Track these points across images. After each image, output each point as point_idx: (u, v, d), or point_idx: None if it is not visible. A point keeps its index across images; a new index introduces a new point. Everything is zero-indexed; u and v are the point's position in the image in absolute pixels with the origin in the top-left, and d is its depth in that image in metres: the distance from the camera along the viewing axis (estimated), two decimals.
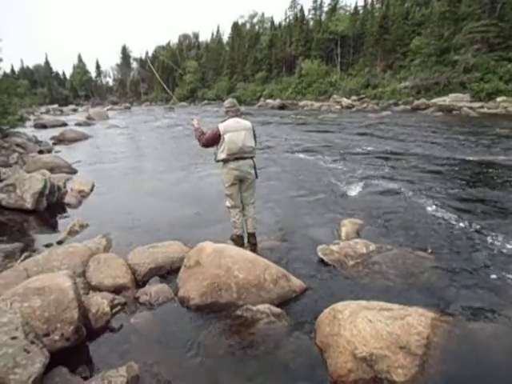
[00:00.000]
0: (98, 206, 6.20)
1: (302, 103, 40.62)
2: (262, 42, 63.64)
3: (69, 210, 6.02)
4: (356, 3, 56.32)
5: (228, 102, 4.08)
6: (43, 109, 50.13)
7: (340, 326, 2.46)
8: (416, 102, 29.62)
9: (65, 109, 51.42)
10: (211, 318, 2.92)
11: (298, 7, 62.03)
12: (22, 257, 3.90)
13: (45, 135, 16.11)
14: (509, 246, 3.98)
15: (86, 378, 2.24)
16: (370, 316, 2.48)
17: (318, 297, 3.18)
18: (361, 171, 7.83)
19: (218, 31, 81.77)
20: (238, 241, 4.21)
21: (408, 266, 3.59)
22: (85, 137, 16.31)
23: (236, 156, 3.89)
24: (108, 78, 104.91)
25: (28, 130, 19.04)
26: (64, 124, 23.25)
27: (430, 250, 3.93)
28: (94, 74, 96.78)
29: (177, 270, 3.57)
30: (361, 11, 53.79)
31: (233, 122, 3.90)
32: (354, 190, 6.39)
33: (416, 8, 44.98)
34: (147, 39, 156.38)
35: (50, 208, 5.93)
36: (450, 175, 7.39)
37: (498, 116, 21.56)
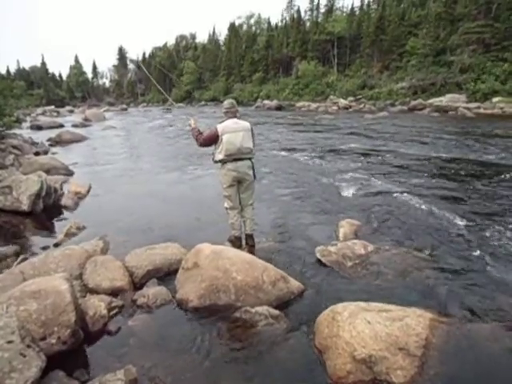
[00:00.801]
0: (95, 208, 6.17)
1: (299, 104, 40.67)
2: (258, 43, 63.70)
3: (65, 211, 5.98)
4: (352, 4, 56.78)
5: (227, 103, 4.08)
6: (39, 110, 49.87)
7: (339, 327, 2.45)
8: (413, 103, 29.73)
9: (61, 110, 51.21)
10: (209, 321, 2.90)
11: (295, 8, 62.17)
12: (19, 259, 3.86)
13: (41, 137, 16.04)
14: (507, 246, 3.99)
15: (83, 382, 2.22)
16: (368, 317, 2.47)
17: (316, 298, 3.17)
18: (358, 172, 7.84)
19: (214, 32, 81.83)
20: (235, 242, 4.20)
21: (406, 267, 3.59)
22: (81, 138, 16.25)
23: (234, 157, 3.88)
24: (105, 79, 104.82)
25: (24, 131, 18.96)
26: (60, 125, 23.17)
27: (427, 251, 3.94)
28: (90, 75, 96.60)
29: (175, 272, 3.55)
30: (357, 12, 53.93)
31: (231, 122, 3.90)
32: (352, 191, 6.40)
33: (412, 9, 45.14)
34: (144, 40, 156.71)
35: (46, 210, 5.89)
36: (448, 176, 7.41)
37: (494, 116, 21.66)
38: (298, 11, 59.92)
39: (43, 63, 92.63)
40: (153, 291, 3.20)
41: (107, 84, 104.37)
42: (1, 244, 4.45)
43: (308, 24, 58.82)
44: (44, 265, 3.43)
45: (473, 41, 32.94)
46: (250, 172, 4.02)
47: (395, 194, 6.12)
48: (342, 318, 2.50)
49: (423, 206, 5.44)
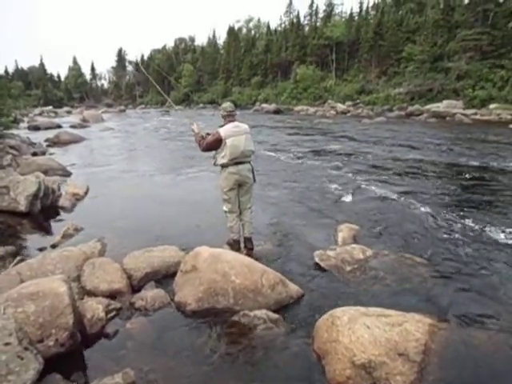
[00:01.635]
0: (93, 209, 6.14)
1: (297, 108, 40.78)
2: (257, 47, 63.93)
3: (63, 213, 5.95)
4: (351, 10, 57.04)
5: (227, 106, 4.06)
6: (37, 111, 49.73)
7: (338, 332, 2.44)
8: (410, 108, 29.88)
9: (59, 111, 51.10)
10: (208, 324, 2.89)
11: (294, 13, 62.47)
12: (15, 261, 3.83)
13: (39, 137, 15.99)
14: (505, 251, 4.01)
15: None
16: (368, 322, 2.47)
17: (315, 302, 3.17)
18: (356, 176, 7.86)
19: (213, 35, 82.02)
20: (234, 245, 4.18)
21: (404, 272, 3.60)
22: (79, 139, 16.21)
23: (236, 160, 3.88)
24: (103, 81, 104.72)
25: (22, 131, 18.88)
26: (58, 126, 23.10)
27: (426, 256, 3.94)
28: (89, 77, 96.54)
29: (173, 275, 3.53)
30: (356, 18, 54.27)
31: (232, 126, 3.89)
32: (350, 195, 6.40)
33: (410, 15, 45.45)
34: (143, 42, 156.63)
35: (44, 211, 5.86)
36: (446, 181, 7.44)
37: (491, 123, 21.80)
38: (297, 16, 60.21)
39: (41, 64, 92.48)
40: (151, 294, 3.18)
41: (106, 85, 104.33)
42: None
43: (307, 29, 59.07)
44: (41, 266, 3.41)
45: (470, 48, 33.20)
46: (251, 175, 4.02)
47: (393, 199, 6.13)
48: (341, 322, 2.50)
49: (421, 211, 5.46)
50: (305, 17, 61.74)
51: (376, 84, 42.10)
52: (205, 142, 3.97)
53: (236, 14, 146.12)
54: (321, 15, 60.25)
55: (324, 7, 59.95)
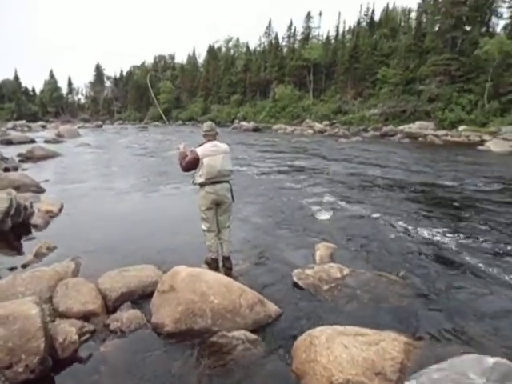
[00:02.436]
0: (67, 227, 5.98)
1: (275, 126, 41.32)
2: (237, 66, 64.91)
3: (35, 231, 5.77)
4: (328, 33, 58.64)
5: (206, 125, 4.11)
6: (10, 124, 48.42)
7: (316, 352, 2.46)
8: (384, 129, 30.81)
9: (33, 125, 49.80)
10: (185, 346, 2.84)
11: (273, 34, 64.04)
12: None
13: (11, 152, 15.53)
14: (478, 269, 4.15)
15: None
16: (345, 342, 2.49)
17: (293, 322, 3.17)
18: (333, 194, 8.00)
19: (193, 53, 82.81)
20: (212, 264, 4.16)
21: (380, 290, 3.66)
22: (54, 154, 15.83)
23: (214, 180, 3.90)
24: (80, 96, 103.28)
25: None
26: (32, 141, 22.49)
27: (401, 274, 4.03)
28: (65, 91, 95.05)
29: (150, 295, 3.46)
30: (332, 41, 56.17)
31: (210, 145, 3.93)
32: (327, 214, 6.50)
33: (384, 40, 47.43)
34: (122, 58, 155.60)
35: (15, 229, 5.64)
36: (419, 199, 7.67)
37: (460, 144, 22.74)
38: (276, 37, 61.77)
39: (16, 76, 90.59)
40: (127, 315, 3.11)
41: (82, 100, 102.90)
42: None
43: (285, 50, 60.60)
44: (11, 287, 3.29)
45: (440, 72, 34.82)
46: (229, 194, 4.04)
47: (369, 217, 6.27)
48: (319, 342, 2.51)
49: (396, 229, 5.60)
50: (283, 38, 63.42)
51: (352, 105, 43.33)
52: (184, 162, 3.98)
53: (216, 33, 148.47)
54: (299, 37, 62.00)
55: (302, 30, 61.78)
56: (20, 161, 13.94)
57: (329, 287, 3.72)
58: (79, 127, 44.36)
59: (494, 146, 19.04)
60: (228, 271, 4.10)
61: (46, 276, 3.54)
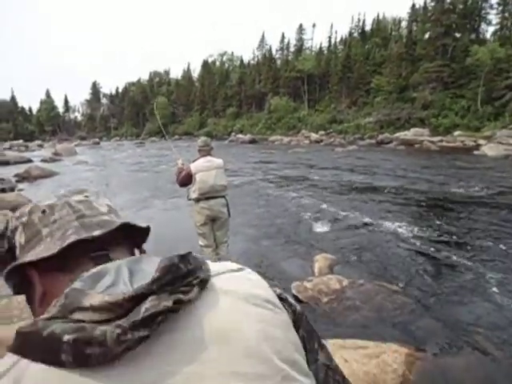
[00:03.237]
0: None
1: (272, 138, 41.58)
2: (231, 79, 65.68)
3: None
4: (320, 44, 59.68)
5: (201, 141, 4.13)
6: (7, 144, 48.63)
7: None
8: (380, 137, 31.01)
9: (30, 144, 50.10)
10: None
11: (267, 47, 64.98)
12: None
13: (7, 172, 15.53)
14: (479, 278, 4.12)
15: None
16: (346, 356, 2.47)
17: None
18: (331, 205, 7.99)
19: (188, 68, 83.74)
20: None
21: (380, 301, 3.63)
22: (51, 174, 15.84)
23: (207, 195, 3.89)
24: (76, 113, 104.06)
25: None
26: (29, 160, 22.54)
27: (401, 284, 4.00)
28: (61, 110, 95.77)
29: None
30: (325, 51, 56.98)
31: (204, 161, 3.94)
32: (326, 225, 6.49)
33: (376, 49, 48.17)
34: (118, 75, 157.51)
35: (11, 250, 5.60)
36: (418, 208, 7.66)
37: (456, 149, 22.87)
38: (270, 50, 62.66)
39: (13, 97, 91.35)
40: None
41: (79, 118, 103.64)
42: None
43: (279, 62, 61.40)
44: (7, 311, 3.24)
45: (432, 79, 35.32)
46: (224, 210, 4.03)
47: (368, 227, 6.25)
48: None
49: (395, 239, 5.58)
50: (277, 51, 64.39)
51: (347, 114, 43.78)
52: (179, 178, 4.00)
53: (210, 48, 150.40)
54: (292, 49, 62.91)
55: (295, 42, 62.70)
56: (17, 181, 13.91)
57: (328, 299, 3.69)
58: (76, 145, 44.54)
59: (489, 150, 19.15)
60: None
61: None
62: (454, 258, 4.76)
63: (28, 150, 40.83)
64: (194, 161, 3.99)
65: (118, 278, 0.47)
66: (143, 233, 0.72)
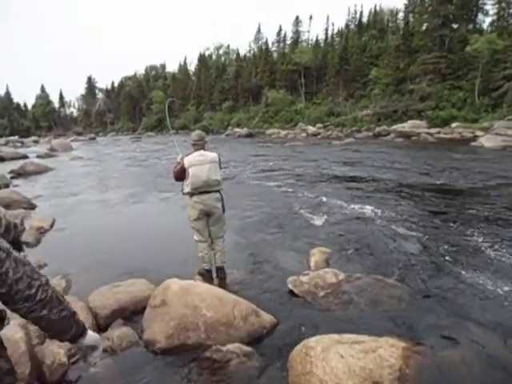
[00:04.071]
0: (58, 244, 5.89)
1: (269, 131, 41.42)
2: (228, 73, 65.16)
3: (26, 248, 5.62)
4: (317, 37, 59.10)
5: (194, 134, 4.07)
6: (2, 140, 48.21)
7: (312, 363, 2.38)
8: (377, 129, 30.95)
9: (26, 140, 49.67)
10: (179, 362, 2.76)
11: (263, 40, 64.42)
12: None
13: (2, 169, 15.39)
14: (479, 271, 4.09)
15: None
16: (342, 351, 2.42)
17: (289, 332, 3.10)
18: (328, 198, 7.95)
19: (184, 62, 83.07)
20: (206, 275, 4.09)
21: (377, 295, 3.59)
22: (46, 169, 15.72)
23: (200, 190, 3.83)
24: (72, 109, 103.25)
25: None
26: (24, 156, 22.36)
27: (398, 277, 3.97)
28: (57, 105, 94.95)
29: (142, 311, 3.38)
30: (322, 44, 56.56)
31: (197, 154, 3.88)
32: (322, 218, 6.45)
33: (373, 41, 47.83)
34: (113, 69, 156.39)
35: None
36: (415, 200, 7.63)
37: (454, 140, 22.85)
38: (266, 43, 62.12)
39: (7, 92, 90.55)
40: (118, 333, 3.02)
41: (75, 113, 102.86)
42: None
43: (275, 55, 60.92)
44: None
45: (430, 70, 35.14)
46: (218, 204, 3.96)
47: (364, 221, 6.22)
48: (314, 353, 2.44)
49: (392, 232, 5.54)
50: (273, 43, 63.84)
51: (344, 106, 43.56)
52: (173, 172, 3.95)
53: (206, 41, 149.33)
54: (288, 42, 62.39)
55: (291, 34, 62.16)
56: (12, 177, 13.79)
57: (325, 293, 3.65)
58: (72, 140, 44.26)
59: (486, 141, 19.13)
60: (222, 281, 4.03)
61: None
62: (452, 250, 4.73)
63: (24, 145, 40.51)
64: (187, 155, 3.93)
65: None
66: None
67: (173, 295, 3.15)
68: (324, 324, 3.16)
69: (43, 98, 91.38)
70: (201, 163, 3.81)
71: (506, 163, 12.40)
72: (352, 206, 7.18)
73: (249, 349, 2.79)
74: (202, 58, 72.72)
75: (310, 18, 61.49)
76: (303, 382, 2.35)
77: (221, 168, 4.07)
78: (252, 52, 67.54)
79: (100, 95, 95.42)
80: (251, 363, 2.68)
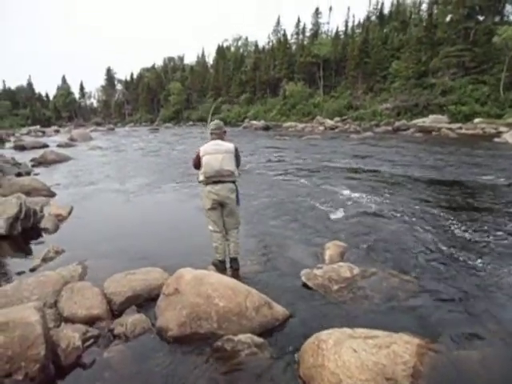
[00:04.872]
0: (76, 231, 5.99)
1: (286, 124, 41.13)
2: (246, 65, 64.88)
3: (45, 234, 5.79)
4: (337, 28, 58.14)
5: (213, 124, 4.06)
6: (24, 130, 49.44)
7: (324, 356, 2.36)
8: (397, 124, 30.34)
9: (47, 130, 50.78)
10: (190, 350, 2.77)
11: (281, 32, 63.78)
12: None
13: (24, 157, 15.79)
14: (494, 271, 3.97)
15: None
16: (354, 345, 2.39)
17: (301, 325, 3.07)
18: (345, 192, 7.85)
19: (203, 54, 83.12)
20: (219, 266, 4.09)
21: (392, 290, 3.53)
22: (66, 158, 16.02)
23: (214, 179, 3.83)
24: (92, 100, 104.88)
25: (7, 151, 18.69)
26: (45, 145, 22.84)
27: (414, 274, 3.89)
28: (77, 96, 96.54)
29: (156, 299, 3.40)
30: (342, 36, 55.63)
31: (213, 144, 3.87)
32: (338, 212, 6.37)
33: (394, 33, 46.77)
34: (132, 61, 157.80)
35: (24, 233, 5.68)
36: (434, 196, 7.45)
37: (476, 136, 22.22)
38: (285, 34, 61.47)
39: (30, 83, 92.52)
40: (131, 319, 3.05)
41: (95, 104, 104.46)
42: None
43: (294, 47, 60.27)
44: (17, 292, 3.27)
45: (453, 64, 34.16)
46: (232, 195, 3.93)
47: (382, 216, 6.11)
48: (326, 346, 2.41)
49: (409, 228, 5.43)
50: (292, 35, 63.13)
51: (363, 100, 42.89)
52: (192, 159, 3.99)
53: (225, 32, 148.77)
54: (308, 34, 61.58)
55: (311, 26, 61.32)
56: (33, 166, 14.14)
57: (338, 287, 3.61)
58: (92, 131, 44.96)
59: (510, 137, 18.52)
60: (235, 272, 4.02)
61: (52, 280, 3.51)
62: (472, 248, 4.60)
63: (45, 135, 41.41)
64: (205, 144, 3.94)
65: None
66: None
67: (186, 284, 3.16)
68: (337, 318, 3.12)
69: (64, 88, 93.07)
70: (215, 152, 3.80)
71: None
72: (368, 201, 7.07)
73: (260, 340, 2.78)
74: (221, 50, 72.56)
75: (330, 9, 61.09)
76: (314, 374, 2.33)
77: (239, 160, 4.03)
78: (270, 44, 67.02)
79: (119, 86, 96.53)
80: (262, 354, 2.67)
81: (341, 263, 4.04)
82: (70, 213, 6.85)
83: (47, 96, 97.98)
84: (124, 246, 5.08)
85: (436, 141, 20.54)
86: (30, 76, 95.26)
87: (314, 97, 50.55)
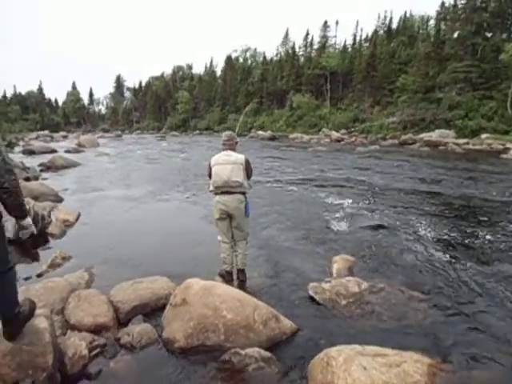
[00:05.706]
0: (83, 237, 6.00)
1: (292, 135, 41.26)
2: (254, 76, 65.42)
3: (52, 240, 5.80)
4: (345, 41, 58.70)
5: (224, 135, 4.08)
6: (33, 135, 49.95)
7: (333, 374, 2.32)
8: (403, 137, 30.30)
9: (55, 135, 51.34)
10: (197, 363, 2.74)
11: (290, 44, 64.37)
12: None
13: (33, 162, 15.90)
14: (505, 288, 3.91)
15: None
16: (364, 363, 2.35)
17: (309, 339, 3.04)
18: (351, 205, 7.82)
19: (211, 64, 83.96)
20: (226, 277, 4.07)
21: (401, 307, 3.49)
22: (74, 164, 16.14)
23: (222, 190, 3.84)
24: (101, 106, 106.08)
25: (16, 156, 18.83)
26: (53, 151, 23.05)
27: (423, 290, 3.84)
28: (86, 102, 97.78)
29: (162, 308, 3.39)
30: (349, 49, 56.04)
31: (223, 154, 3.90)
32: (346, 225, 6.34)
33: (402, 48, 47.01)
34: (141, 69, 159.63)
35: (32, 238, 5.69)
36: (442, 211, 7.40)
37: (482, 152, 22.13)
38: (293, 47, 62.02)
39: (40, 88, 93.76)
40: (138, 329, 3.03)
41: (103, 111, 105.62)
42: None
43: (302, 59, 60.74)
44: None
45: (460, 79, 34.20)
46: (241, 206, 3.91)
47: (391, 229, 6.07)
48: (336, 363, 2.38)
49: (418, 243, 5.38)
50: (300, 47, 63.66)
51: (370, 113, 42.96)
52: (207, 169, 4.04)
53: (233, 43, 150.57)
54: (315, 46, 62.06)
55: (319, 39, 61.83)
56: (41, 170, 14.24)
57: (346, 302, 3.57)
58: (99, 137, 45.37)
59: None
60: (242, 284, 4.00)
61: (59, 287, 3.51)
62: (482, 265, 4.54)
63: (53, 140, 41.82)
64: (216, 154, 3.97)
65: None
66: None
67: (193, 295, 3.14)
68: (345, 334, 3.08)
69: (74, 94, 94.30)
70: (225, 162, 3.82)
71: None
72: (376, 214, 7.03)
73: (268, 354, 2.75)
74: (229, 61, 73.28)
75: (337, 23, 60.89)
76: None
77: (250, 172, 4.01)
78: (279, 55, 67.63)
79: (128, 94, 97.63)
80: (270, 369, 2.63)
81: (349, 277, 4.00)
82: (77, 219, 6.87)
83: (57, 101, 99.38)
84: (130, 253, 5.07)
85: (443, 155, 20.47)
86: (40, 81, 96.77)
87: (321, 109, 50.74)
